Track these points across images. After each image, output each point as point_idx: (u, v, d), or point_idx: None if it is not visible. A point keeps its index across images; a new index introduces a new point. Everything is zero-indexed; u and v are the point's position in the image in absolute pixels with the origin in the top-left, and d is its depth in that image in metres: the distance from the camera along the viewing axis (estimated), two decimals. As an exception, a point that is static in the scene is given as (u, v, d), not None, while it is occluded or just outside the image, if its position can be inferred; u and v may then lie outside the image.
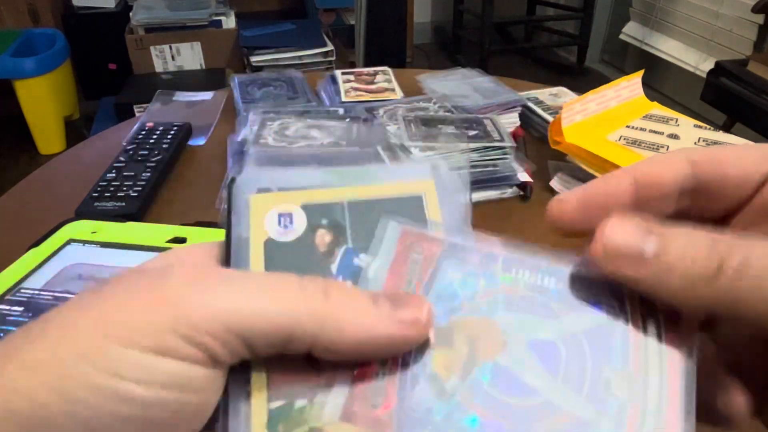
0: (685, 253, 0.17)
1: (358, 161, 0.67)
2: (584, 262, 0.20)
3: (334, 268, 0.20)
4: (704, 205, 0.20)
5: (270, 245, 0.20)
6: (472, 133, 0.71)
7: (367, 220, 0.21)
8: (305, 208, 0.20)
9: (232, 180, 0.21)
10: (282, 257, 0.20)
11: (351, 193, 0.21)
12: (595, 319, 0.19)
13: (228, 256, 0.20)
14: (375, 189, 0.21)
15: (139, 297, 0.17)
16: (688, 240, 0.17)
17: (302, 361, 0.18)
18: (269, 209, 0.20)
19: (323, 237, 0.20)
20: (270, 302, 0.17)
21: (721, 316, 0.17)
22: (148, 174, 0.68)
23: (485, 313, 0.19)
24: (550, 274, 0.20)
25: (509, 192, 0.71)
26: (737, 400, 0.20)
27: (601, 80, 2.12)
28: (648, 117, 0.75)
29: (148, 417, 0.16)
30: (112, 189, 0.65)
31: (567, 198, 0.20)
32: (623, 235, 0.18)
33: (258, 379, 0.18)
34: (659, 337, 0.19)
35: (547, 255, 0.20)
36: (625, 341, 0.19)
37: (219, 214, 0.63)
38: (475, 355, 0.19)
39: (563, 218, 0.20)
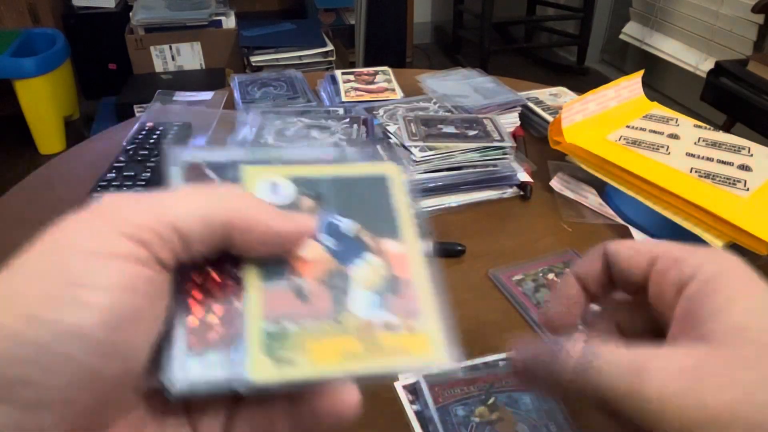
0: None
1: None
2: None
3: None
4: (619, 285, 0.28)
5: None
6: (472, 133, 0.71)
7: (343, 192, 0.25)
8: (293, 180, 0.25)
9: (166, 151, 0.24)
10: None
11: (330, 171, 0.26)
12: None
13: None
14: (349, 168, 0.26)
15: (86, 217, 0.20)
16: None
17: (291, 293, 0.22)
18: (260, 179, 0.24)
19: (306, 202, 0.25)
20: (202, 200, 0.20)
21: None
22: (148, 174, 0.68)
23: None
24: None
25: (509, 192, 0.71)
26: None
27: (601, 80, 2.12)
28: (648, 117, 0.75)
29: (106, 321, 0.17)
30: (112, 189, 0.65)
31: (550, 306, 0.29)
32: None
33: (254, 300, 0.21)
34: None
35: None
36: None
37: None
38: None
39: (552, 318, 0.29)
